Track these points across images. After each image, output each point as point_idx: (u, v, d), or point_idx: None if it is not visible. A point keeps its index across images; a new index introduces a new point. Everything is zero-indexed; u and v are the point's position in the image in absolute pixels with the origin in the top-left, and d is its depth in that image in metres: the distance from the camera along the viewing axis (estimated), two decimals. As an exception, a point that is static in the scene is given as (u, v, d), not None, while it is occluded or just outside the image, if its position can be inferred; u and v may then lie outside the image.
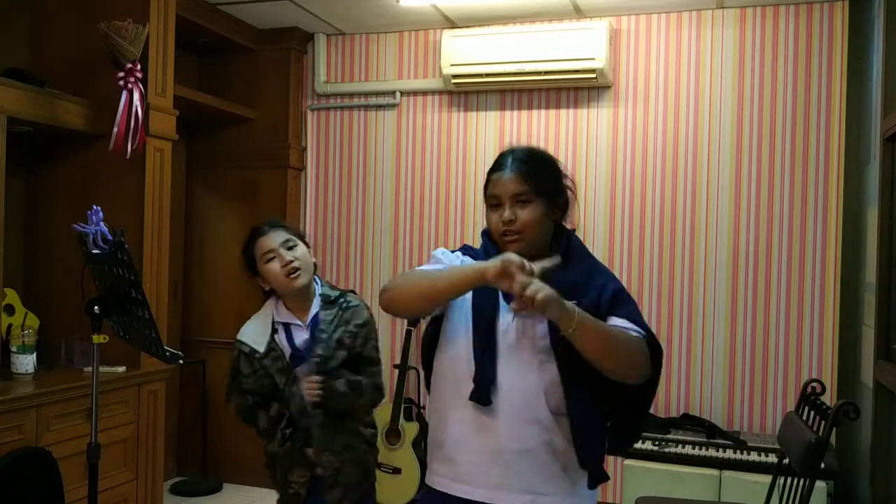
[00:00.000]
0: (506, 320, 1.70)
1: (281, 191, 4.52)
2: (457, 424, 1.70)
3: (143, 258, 3.36)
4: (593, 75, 3.93)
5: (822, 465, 2.89)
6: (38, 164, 3.52)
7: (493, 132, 4.30)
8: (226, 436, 4.58)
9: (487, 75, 4.08)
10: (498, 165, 1.75)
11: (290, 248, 2.21)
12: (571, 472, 1.68)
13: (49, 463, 2.81)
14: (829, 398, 3.51)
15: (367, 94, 4.55)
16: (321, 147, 4.64)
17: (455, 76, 4.14)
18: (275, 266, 2.19)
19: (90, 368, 2.68)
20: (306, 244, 2.29)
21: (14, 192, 3.35)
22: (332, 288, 2.35)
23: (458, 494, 1.69)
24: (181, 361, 2.67)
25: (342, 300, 2.30)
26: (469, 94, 4.32)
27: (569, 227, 1.82)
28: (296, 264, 2.19)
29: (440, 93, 4.38)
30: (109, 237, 2.34)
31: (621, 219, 4.08)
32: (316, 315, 2.25)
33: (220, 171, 4.64)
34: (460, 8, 4.03)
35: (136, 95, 3.18)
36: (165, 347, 2.42)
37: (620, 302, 1.69)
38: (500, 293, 1.68)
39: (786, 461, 2.75)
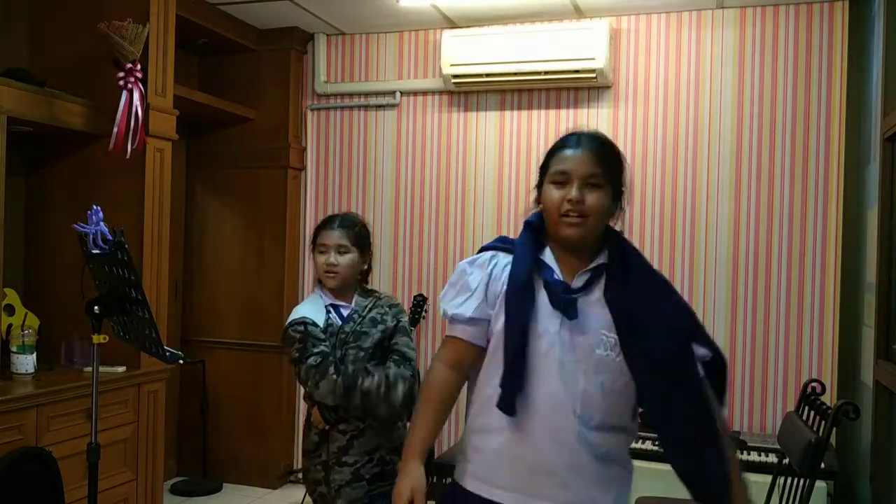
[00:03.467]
0: (544, 327, 1.62)
1: (281, 191, 4.52)
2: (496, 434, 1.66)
3: (143, 258, 3.36)
4: (593, 75, 3.93)
5: (822, 465, 2.89)
6: (38, 164, 3.52)
7: (493, 132, 4.30)
8: (226, 436, 4.58)
9: (487, 75, 4.08)
10: (566, 142, 1.67)
11: (340, 253, 2.40)
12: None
13: (49, 463, 2.81)
14: (829, 398, 3.51)
15: (367, 94, 4.54)
16: (321, 147, 4.64)
17: (455, 76, 4.14)
18: (320, 259, 2.42)
19: (90, 368, 2.68)
20: (364, 250, 2.46)
21: (14, 191, 3.35)
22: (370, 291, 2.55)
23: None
24: (181, 361, 2.68)
25: (377, 294, 2.52)
26: (469, 94, 4.32)
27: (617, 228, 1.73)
28: (335, 269, 2.39)
29: (440, 93, 4.38)
30: (109, 237, 2.34)
31: (621, 218, 4.07)
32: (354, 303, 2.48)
33: (220, 171, 4.64)
34: (460, 8, 4.03)
35: (136, 95, 3.18)
36: (165, 347, 2.43)
37: (699, 328, 1.64)
38: (536, 298, 1.62)
39: (786, 461, 2.75)
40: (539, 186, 1.71)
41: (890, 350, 2.83)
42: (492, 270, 1.70)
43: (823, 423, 2.57)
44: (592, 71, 3.91)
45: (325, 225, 2.45)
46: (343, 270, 2.39)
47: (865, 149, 3.52)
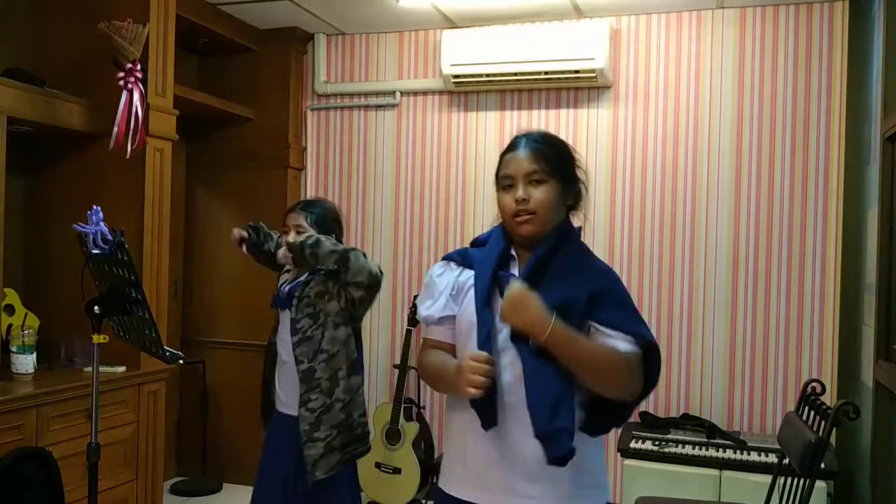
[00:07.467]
0: (503, 334, 1.65)
1: (281, 191, 4.52)
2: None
3: (143, 258, 3.36)
4: (593, 75, 3.93)
5: (822, 465, 2.89)
6: (38, 164, 3.52)
7: (493, 132, 4.30)
8: (226, 436, 4.58)
9: (487, 75, 4.08)
10: (511, 147, 1.75)
11: (298, 232, 2.59)
12: None
13: (49, 463, 2.81)
14: (829, 398, 3.51)
15: (367, 94, 4.54)
16: (321, 147, 4.64)
17: (455, 76, 4.14)
18: (285, 237, 2.64)
19: (90, 368, 2.68)
20: (330, 233, 2.63)
21: (14, 192, 3.35)
22: None
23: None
24: (181, 361, 2.68)
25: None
26: (469, 94, 4.32)
27: (577, 223, 1.78)
28: (285, 245, 2.60)
29: (440, 93, 4.38)
30: (109, 237, 2.34)
31: (621, 218, 4.08)
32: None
33: (220, 171, 4.64)
34: (460, 8, 4.03)
35: (136, 95, 3.18)
36: (165, 347, 2.43)
37: (608, 304, 1.63)
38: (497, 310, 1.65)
39: (786, 461, 2.75)
40: None
41: (890, 350, 2.83)
42: (460, 272, 1.78)
43: (823, 423, 2.57)
44: (592, 71, 3.91)
45: (290, 209, 2.67)
46: None
47: (865, 149, 3.52)
